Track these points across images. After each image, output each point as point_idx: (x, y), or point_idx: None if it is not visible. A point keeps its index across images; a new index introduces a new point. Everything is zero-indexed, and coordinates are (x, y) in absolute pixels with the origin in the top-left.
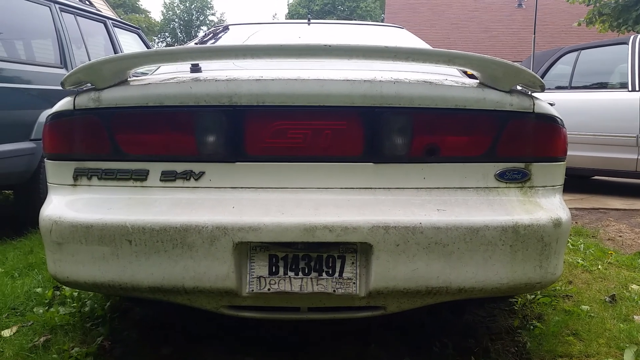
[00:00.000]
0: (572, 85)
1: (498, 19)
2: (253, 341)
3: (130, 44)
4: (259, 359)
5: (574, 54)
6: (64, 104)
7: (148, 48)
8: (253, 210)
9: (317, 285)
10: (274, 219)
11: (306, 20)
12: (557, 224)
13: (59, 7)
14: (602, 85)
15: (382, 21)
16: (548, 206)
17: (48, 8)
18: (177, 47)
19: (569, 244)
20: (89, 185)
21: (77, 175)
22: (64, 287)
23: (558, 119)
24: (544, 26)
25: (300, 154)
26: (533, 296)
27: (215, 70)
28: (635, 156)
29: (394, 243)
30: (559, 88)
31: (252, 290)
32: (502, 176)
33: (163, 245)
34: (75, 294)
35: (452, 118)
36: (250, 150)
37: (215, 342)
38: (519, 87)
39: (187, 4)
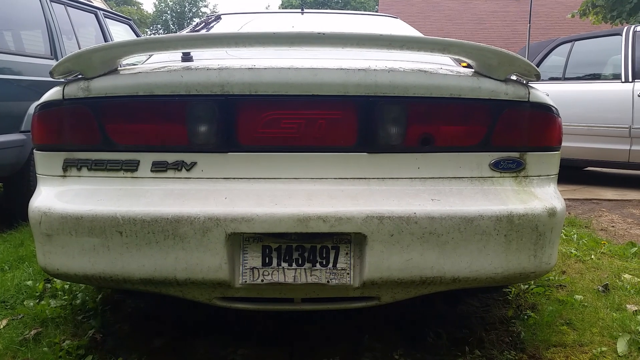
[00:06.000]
0: (566, 76)
1: (491, 10)
2: (246, 334)
3: (121, 35)
4: (252, 352)
5: (567, 45)
6: (52, 93)
7: None
8: (246, 201)
9: (311, 276)
10: (267, 210)
11: (299, 10)
12: (551, 213)
13: None
14: (595, 77)
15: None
16: (543, 196)
17: None
18: (167, 35)
19: (562, 234)
20: (79, 176)
21: (67, 166)
22: (55, 279)
23: (553, 108)
24: (538, 17)
25: (294, 144)
26: (527, 286)
27: (207, 59)
28: (627, 147)
29: (388, 233)
30: (552, 79)
31: (245, 281)
32: (496, 166)
33: (154, 236)
34: (67, 286)
35: (446, 107)
36: (242, 140)
37: (208, 335)
38: (514, 77)
39: None
